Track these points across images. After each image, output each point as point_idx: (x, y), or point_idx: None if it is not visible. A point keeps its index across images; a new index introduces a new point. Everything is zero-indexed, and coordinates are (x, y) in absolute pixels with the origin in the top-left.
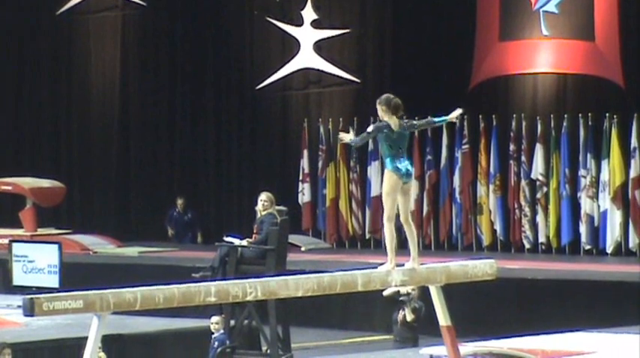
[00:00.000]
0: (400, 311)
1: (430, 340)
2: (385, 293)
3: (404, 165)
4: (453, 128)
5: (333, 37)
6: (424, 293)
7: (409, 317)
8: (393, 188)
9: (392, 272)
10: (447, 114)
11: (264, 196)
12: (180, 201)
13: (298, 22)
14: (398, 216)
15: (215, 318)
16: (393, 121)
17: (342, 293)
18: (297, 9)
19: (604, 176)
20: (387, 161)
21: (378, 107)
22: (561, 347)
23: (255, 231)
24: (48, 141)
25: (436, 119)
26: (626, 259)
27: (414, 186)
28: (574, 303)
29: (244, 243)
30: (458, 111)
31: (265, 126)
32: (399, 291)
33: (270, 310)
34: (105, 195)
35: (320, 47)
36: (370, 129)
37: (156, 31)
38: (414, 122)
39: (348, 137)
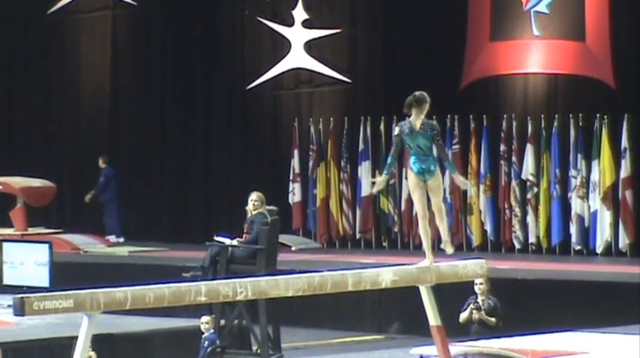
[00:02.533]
0: (476, 313)
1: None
2: (461, 320)
3: (420, 164)
4: (443, 128)
5: (324, 37)
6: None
7: (491, 323)
8: (414, 186)
9: (384, 273)
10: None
11: (254, 196)
12: (101, 161)
13: (289, 22)
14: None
15: (205, 318)
16: (418, 120)
17: (332, 293)
18: (288, 9)
19: (594, 176)
20: (410, 160)
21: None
22: (552, 347)
23: (245, 231)
24: (39, 141)
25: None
26: (616, 259)
27: (405, 186)
28: (564, 303)
29: (235, 242)
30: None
31: (256, 126)
32: (471, 312)
33: (260, 310)
34: (95, 194)
35: (311, 47)
36: (394, 134)
37: (146, 31)
38: (440, 146)
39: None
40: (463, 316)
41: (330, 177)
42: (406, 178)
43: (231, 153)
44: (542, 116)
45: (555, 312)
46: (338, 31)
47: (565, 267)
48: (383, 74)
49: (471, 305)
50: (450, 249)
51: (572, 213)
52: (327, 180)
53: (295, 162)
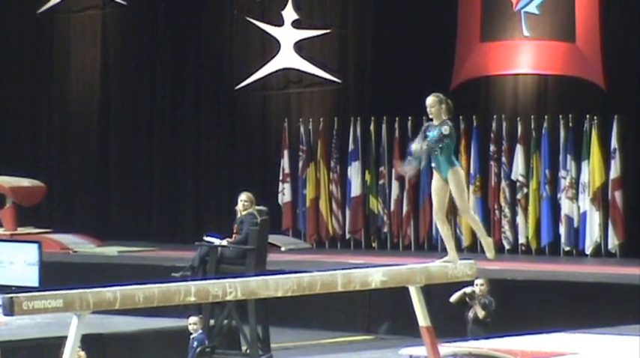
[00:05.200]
0: (470, 310)
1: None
2: (452, 299)
3: (434, 160)
4: None
5: (313, 37)
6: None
7: (480, 314)
8: (434, 181)
9: (373, 273)
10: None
11: (244, 196)
12: None
13: (279, 22)
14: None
15: (193, 319)
16: (437, 120)
17: (322, 293)
18: (278, 9)
19: (584, 177)
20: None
21: None
22: (541, 347)
23: (235, 231)
24: (28, 140)
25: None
26: (605, 260)
27: (395, 186)
28: (554, 304)
29: (224, 242)
30: None
31: (245, 126)
32: (464, 293)
33: (249, 310)
34: (84, 194)
35: (300, 47)
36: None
37: (136, 31)
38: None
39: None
40: (455, 295)
41: (319, 178)
42: (396, 179)
43: (221, 154)
44: (532, 117)
45: (544, 313)
46: (328, 31)
47: (554, 268)
48: (373, 74)
49: (465, 290)
50: (452, 257)
51: (562, 213)
52: (316, 181)
53: (285, 163)
